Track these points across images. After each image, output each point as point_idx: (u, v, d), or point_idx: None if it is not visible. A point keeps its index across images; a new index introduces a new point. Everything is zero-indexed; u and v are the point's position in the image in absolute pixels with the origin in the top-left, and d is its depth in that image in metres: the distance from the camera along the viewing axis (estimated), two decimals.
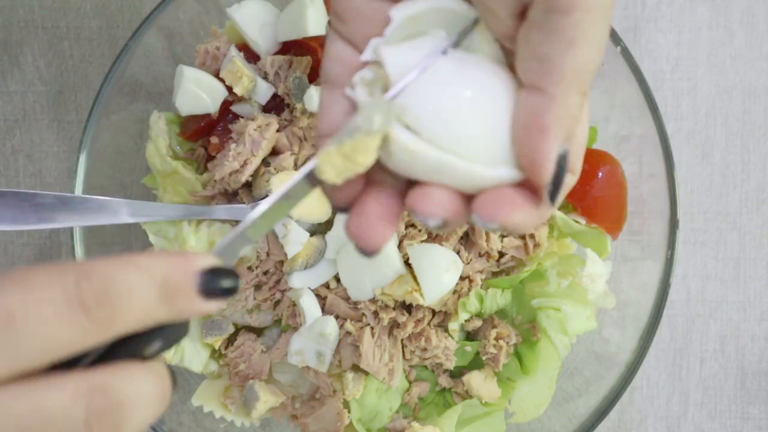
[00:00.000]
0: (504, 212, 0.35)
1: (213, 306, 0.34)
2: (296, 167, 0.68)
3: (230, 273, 0.34)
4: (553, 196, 0.35)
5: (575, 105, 0.34)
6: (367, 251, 0.37)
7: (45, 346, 0.30)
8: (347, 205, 0.38)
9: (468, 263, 0.67)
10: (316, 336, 0.66)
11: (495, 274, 0.69)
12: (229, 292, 0.34)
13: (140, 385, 0.32)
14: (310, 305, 0.66)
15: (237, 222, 0.68)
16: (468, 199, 0.36)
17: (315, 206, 0.65)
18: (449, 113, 0.35)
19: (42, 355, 0.30)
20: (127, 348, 0.32)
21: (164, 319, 0.33)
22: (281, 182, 0.66)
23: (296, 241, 0.65)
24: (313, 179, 0.36)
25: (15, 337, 0.29)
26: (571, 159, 0.35)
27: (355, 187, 0.37)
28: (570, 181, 0.36)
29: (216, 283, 0.33)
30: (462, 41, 0.37)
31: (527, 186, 0.36)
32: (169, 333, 0.33)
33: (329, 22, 0.39)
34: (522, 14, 0.34)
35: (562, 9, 0.32)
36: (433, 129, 0.35)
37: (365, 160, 0.35)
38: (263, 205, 0.36)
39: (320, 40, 0.68)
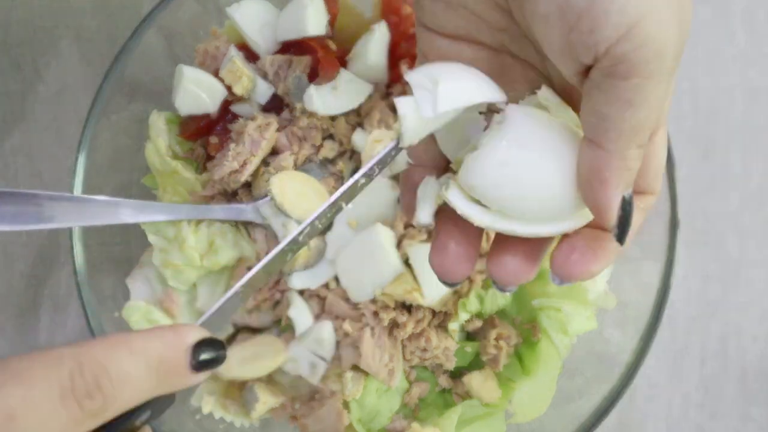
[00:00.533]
0: (578, 270, 0.38)
1: (202, 377, 0.36)
2: (296, 167, 0.68)
3: (218, 344, 0.36)
4: (620, 238, 0.37)
5: (633, 158, 0.36)
6: (450, 284, 0.40)
7: None
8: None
9: None
10: (312, 342, 0.66)
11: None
12: (216, 363, 0.36)
13: None
14: (300, 315, 0.66)
15: (237, 222, 0.68)
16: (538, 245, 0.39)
17: (315, 207, 0.65)
18: (507, 182, 0.37)
19: None
20: (118, 420, 0.34)
21: (156, 394, 0.35)
22: (281, 182, 0.65)
23: None
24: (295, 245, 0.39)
25: None
26: (649, 184, 0.39)
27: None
28: (647, 202, 0.40)
29: (205, 356, 0.36)
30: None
31: (592, 231, 0.39)
32: (159, 403, 0.35)
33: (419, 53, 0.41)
34: (586, 72, 0.35)
35: (621, 75, 0.33)
36: (492, 198, 0.38)
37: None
38: (245, 277, 0.38)
39: (320, 41, 0.68)
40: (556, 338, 0.67)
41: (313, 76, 0.68)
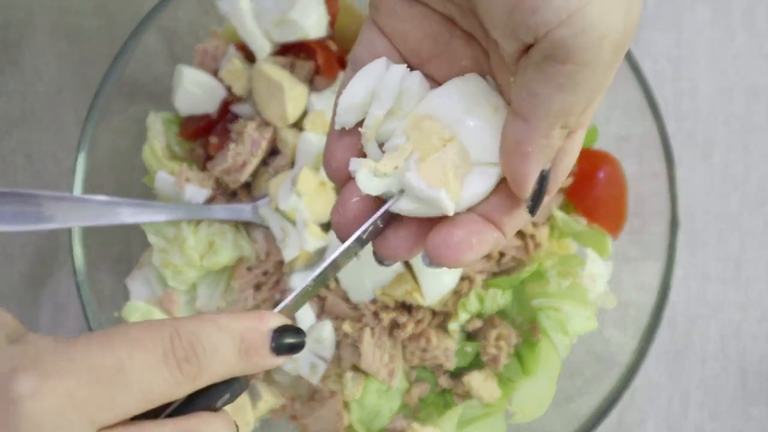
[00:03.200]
0: (452, 256, 0.38)
1: (281, 360, 0.39)
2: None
3: (297, 331, 0.39)
4: (532, 210, 0.39)
5: (556, 137, 0.37)
6: (384, 263, 0.41)
7: (145, 395, 0.34)
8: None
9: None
10: (312, 342, 0.66)
11: (495, 275, 0.69)
12: (297, 348, 0.39)
13: (219, 430, 0.37)
14: (303, 313, 0.66)
15: (236, 222, 0.68)
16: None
17: (323, 206, 0.65)
18: None
19: (141, 403, 0.35)
20: (202, 401, 0.37)
21: (240, 372, 0.38)
22: (279, 183, 0.65)
23: (294, 246, 0.65)
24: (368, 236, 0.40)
25: (124, 385, 0.34)
26: (551, 183, 0.39)
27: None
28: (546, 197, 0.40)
29: (285, 340, 0.38)
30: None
31: (474, 221, 0.39)
32: (236, 386, 0.38)
33: (370, 8, 0.41)
34: (525, 51, 0.35)
35: (558, 59, 0.34)
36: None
37: None
38: (324, 264, 0.40)
39: (320, 42, 0.68)
40: (556, 338, 0.67)
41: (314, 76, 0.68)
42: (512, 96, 0.37)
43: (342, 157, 0.41)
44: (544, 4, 0.33)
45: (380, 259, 0.41)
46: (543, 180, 0.38)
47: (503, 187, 0.39)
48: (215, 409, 0.38)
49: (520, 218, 0.40)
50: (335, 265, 0.40)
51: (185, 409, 0.37)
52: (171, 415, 0.36)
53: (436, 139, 0.39)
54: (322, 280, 0.41)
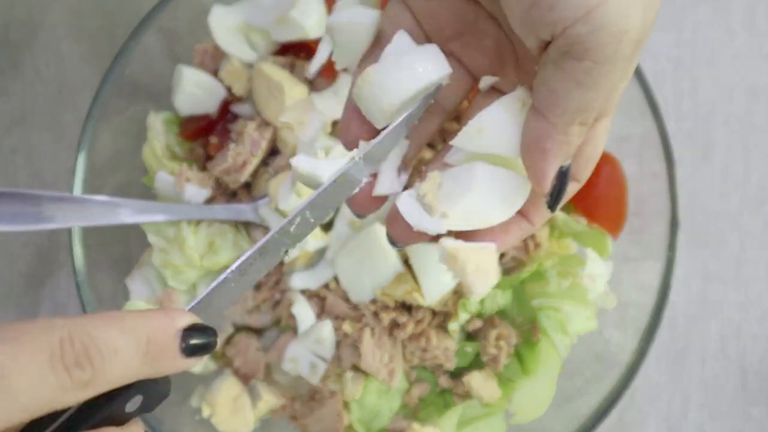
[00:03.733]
0: (405, 235, 0.41)
1: (192, 362, 0.36)
2: None
3: (208, 331, 0.36)
4: (552, 205, 0.39)
5: (574, 134, 0.37)
6: (397, 246, 0.43)
7: (30, 403, 0.31)
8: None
9: None
10: (312, 342, 0.66)
11: None
12: (207, 349, 0.36)
13: None
14: (303, 312, 0.66)
15: (236, 222, 0.68)
16: None
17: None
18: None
19: (23, 413, 0.31)
20: (109, 403, 0.33)
21: (145, 376, 0.34)
22: (279, 183, 0.65)
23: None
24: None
25: (4, 392, 0.30)
26: (577, 170, 0.40)
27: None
28: (572, 188, 0.41)
29: (196, 341, 0.35)
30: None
31: None
32: (150, 388, 0.35)
33: None
34: (545, 47, 0.36)
35: (575, 56, 0.34)
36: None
37: None
38: (245, 256, 0.38)
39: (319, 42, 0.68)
40: (556, 338, 0.67)
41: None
42: (533, 93, 0.37)
43: (358, 130, 0.41)
44: (560, 1, 0.33)
45: (392, 241, 0.42)
46: (563, 176, 0.38)
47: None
48: (125, 416, 0.34)
49: (547, 210, 0.40)
50: (266, 261, 0.38)
51: (85, 417, 0.33)
52: (68, 425, 0.33)
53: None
54: (248, 274, 0.38)
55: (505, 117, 0.39)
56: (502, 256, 0.68)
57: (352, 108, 0.42)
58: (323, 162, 0.40)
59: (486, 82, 0.42)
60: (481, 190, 0.40)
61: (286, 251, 0.39)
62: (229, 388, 0.67)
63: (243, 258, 0.38)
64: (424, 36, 0.41)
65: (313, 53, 0.67)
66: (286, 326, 0.69)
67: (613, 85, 0.35)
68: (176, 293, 0.68)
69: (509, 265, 0.69)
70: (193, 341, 0.35)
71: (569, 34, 0.33)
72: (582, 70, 0.34)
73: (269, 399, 0.67)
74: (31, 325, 0.32)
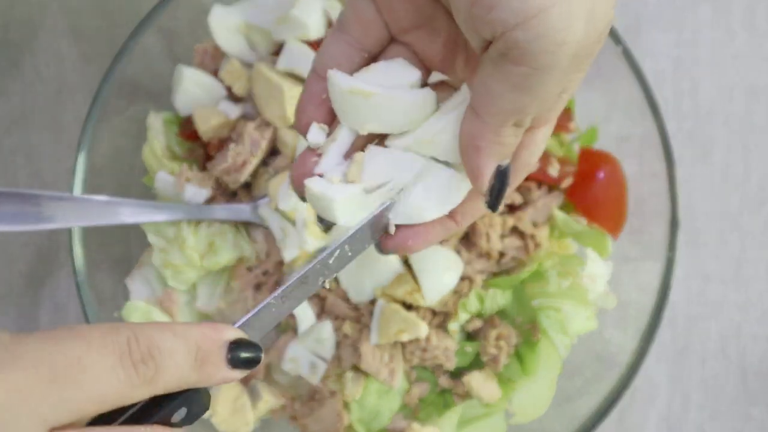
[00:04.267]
0: (394, 243, 0.42)
1: (237, 375, 0.38)
2: None
3: (253, 346, 0.38)
4: (491, 205, 0.39)
5: (508, 135, 0.37)
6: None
7: (100, 395, 0.34)
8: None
9: (468, 263, 0.67)
10: (312, 342, 0.66)
11: (495, 275, 0.69)
12: (252, 363, 0.38)
13: None
14: (303, 312, 0.66)
15: (236, 222, 0.68)
16: None
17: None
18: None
19: (95, 405, 0.34)
20: (157, 413, 0.36)
21: (194, 383, 0.37)
22: (279, 183, 0.65)
23: (294, 246, 0.65)
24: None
25: (78, 384, 0.33)
26: (511, 174, 0.40)
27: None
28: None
29: (241, 354, 0.38)
30: None
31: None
32: (193, 401, 0.37)
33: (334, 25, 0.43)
34: (487, 47, 0.36)
35: (512, 59, 0.34)
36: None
37: None
38: (288, 283, 0.40)
39: (320, 42, 0.68)
40: (556, 338, 0.67)
41: None
42: (471, 89, 0.38)
43: (312, 114, 0.42)
44: (500, 3, 0.33)
45: (381, 249, 0.43)
46: (501, 175, 0.38)
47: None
48: (171, 425, 0.37)
49: (477, 210, 0.41)
50: (304, 281, 0.41)
51: (141, 420, 0.36)
52: (126, 423, 0.36)
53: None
54: (290, 297, 0.40)
55: (455, 126, 0.39)
56: (501, 256, 0.68)
57: (311, 91, 0.42)
58: (336, 186, 0.41)
59: (434, 77, 0.43)
60: (425, 186, 0.41)
61: (324, 281, 0.41)
62: (229, 388, 0.67)
63: (286, 285, 0.40)
64: (383, 25, 0.42)
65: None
66: (286, 326, 0.69)
67: (549, 93, 0.35)
68: (176, 293, 0.68)
69: (509, 265, 0.69)
70: (239, 353, 0.38)
71: (508, 37, 0.33)
72: (518, 74, 0.34)
73: (269, 399, 0.68)
74: (100, 327, 0.35)
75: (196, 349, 0.36)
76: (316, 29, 0.67)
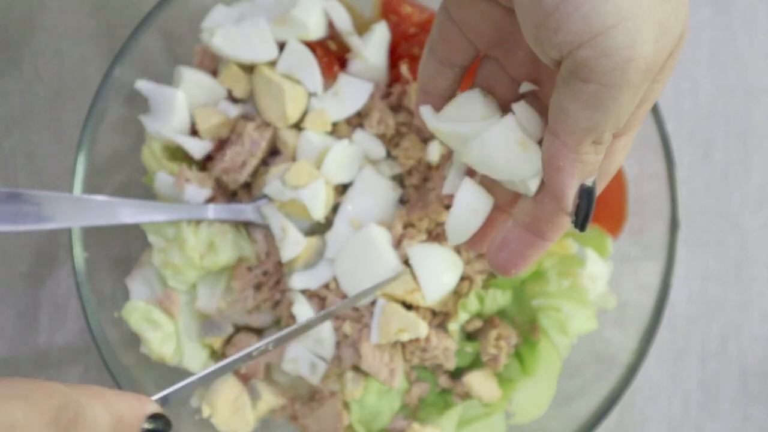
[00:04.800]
0: (506, 267, 0.44)
1: None
2: None
3: (166, 421, 0.43)
4: (578, 224, 0.40)
5: (588, 152, 0.37)
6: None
7: None
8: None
9: (468, 263, 0.67)
10: (312, 342, 0.66)
11: (495, 275, 0.69)
12: None
13: None
14: (303, 312, 0.66)
15: (236, 222, 0.68)
16: None
17: (310, 206, 0.65)
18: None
19: None
20: None
21: None
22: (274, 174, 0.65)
23: (293, 246, 0.65)
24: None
25: None
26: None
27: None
28: None
29: (153, 427, 0.42)
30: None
31: (525, 234, 0.43)
32: None
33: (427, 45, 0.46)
34: (558, 65, 0.36)
35: (581, 77, 0.34)
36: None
37: None
38: (209, 369, 0.46)
39: (320, 43, 0.68)
40: (556, 338, 0.67)
41: None
42: (549, 108, 0.38)
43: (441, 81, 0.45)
44: (565, 25, 0.33)
45: (498, 269, 0.45)
46: (586, 194, 0.38)
47: (541, 197, 0.42)
48: None
49: (562, 226, 0.42)
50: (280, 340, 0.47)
51: None
52: None
53: None
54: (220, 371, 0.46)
55: (499, 144, 0.42)
56: None
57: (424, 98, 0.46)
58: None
59: (525, 87, 0.44)
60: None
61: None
62: (229, 388, 0.67)
63: (234, 357, 0.47)
64: (469, 43, 0.43)
65: (313, 53, 0.67)
66: (286, 326, 0.69)
67: (623, 108, 0.35)
68: (176, 293, 0.68)
69: None
70: (150, 426, 0.41)
71: (575, 56, 0.34)
72: (589, 91, 0.34)
73: (269, 399, 0.68)
74: (39, 385, 0.36)
75: (118, 420, 0.39)
76: (316, 29, 0.67)
